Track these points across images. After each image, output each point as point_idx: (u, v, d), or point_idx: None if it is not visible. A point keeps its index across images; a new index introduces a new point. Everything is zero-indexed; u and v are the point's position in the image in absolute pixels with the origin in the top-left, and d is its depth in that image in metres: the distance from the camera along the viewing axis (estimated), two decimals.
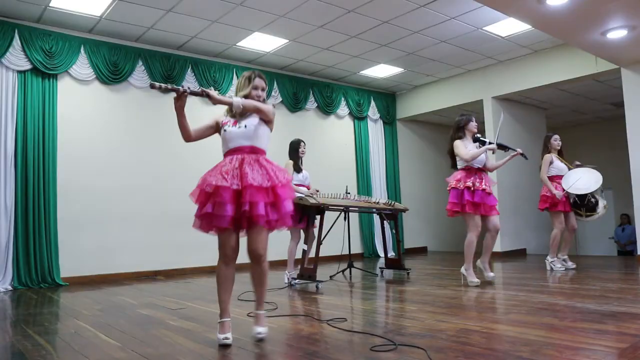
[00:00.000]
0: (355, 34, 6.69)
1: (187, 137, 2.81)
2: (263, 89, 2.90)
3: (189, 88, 2.63)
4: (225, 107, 2.88)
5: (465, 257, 4.65)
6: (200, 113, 3.98)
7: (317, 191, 5.23)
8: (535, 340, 2.48)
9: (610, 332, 2.62)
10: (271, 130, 2.91)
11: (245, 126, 2.78)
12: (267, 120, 2.85)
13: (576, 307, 3.35)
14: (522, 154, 4.93)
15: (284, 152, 5.32)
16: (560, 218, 5.53)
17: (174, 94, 2.65)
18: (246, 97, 2.83)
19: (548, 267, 5.65)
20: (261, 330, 2.73)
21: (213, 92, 2.67)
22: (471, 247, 4.62)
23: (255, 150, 2.78)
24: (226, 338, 2.66)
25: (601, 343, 2.40)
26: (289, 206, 2.75)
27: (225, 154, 2.81)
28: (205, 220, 2.70)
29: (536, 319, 3.01)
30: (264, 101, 2.87)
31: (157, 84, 2.57)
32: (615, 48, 5.90)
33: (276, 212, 2.69)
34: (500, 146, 4.84)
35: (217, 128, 2.88)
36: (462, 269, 4.72)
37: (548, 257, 5.70)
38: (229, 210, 2.61)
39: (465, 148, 4.60)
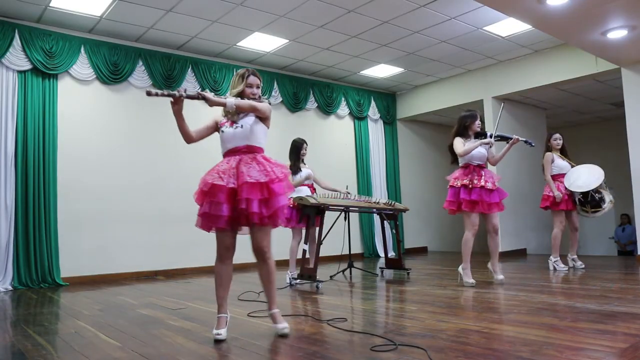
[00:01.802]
0: (355, 34, 6.69)
1: (189, 139, 2.83)
2: (258, 87, 2.89)
3: (185, 92, 2.62)
4: (223, 108, 2.87)
5: (463, 256, 4.61)
6: (198, 114, 3.97)
7: (349, 193, 5.46)
8: (535, 340, 2.48)
9: (610, 332, 2.62)
10: (268, 127, 2.91)
11: (242, 126, 2.79)
12: (263, 118, 2.85)
13: (576, 307, 3.34)
14: (525, 141, 4.78)
15: (284, 152, 5.30)
16: (561, 217, 5.53)
17: (170, 99, 2.65)
18: (240, 95, 2.83)
19: (551, 267, 5.63)
20: (283, 326, 2.78)
21: (209, 94, 2.66)
22: (467, 246, 4.56)
23: (252, 149, 2.79)
24: (218, 334, 2.72)
25: (601, 343, 2.40)
26: (282, 201, 2.74)
27: (224, 155, 2.83)
28: (206, 220, 2.74)
29: (536, 319, 3.01)
30: (259, 98, 2.86)
31: (153, 91, 2.54)
32: (615, 48, 5.90)
33: (267, 208, 2.69)
34: (501, 138, 4.76)
35: (216, 127, 2.89)
36: (459, 268, 4.71)
37: (551, 257, 5.68)
38: (225, 210, 2.64)
39: (462, 145, 4.57)
